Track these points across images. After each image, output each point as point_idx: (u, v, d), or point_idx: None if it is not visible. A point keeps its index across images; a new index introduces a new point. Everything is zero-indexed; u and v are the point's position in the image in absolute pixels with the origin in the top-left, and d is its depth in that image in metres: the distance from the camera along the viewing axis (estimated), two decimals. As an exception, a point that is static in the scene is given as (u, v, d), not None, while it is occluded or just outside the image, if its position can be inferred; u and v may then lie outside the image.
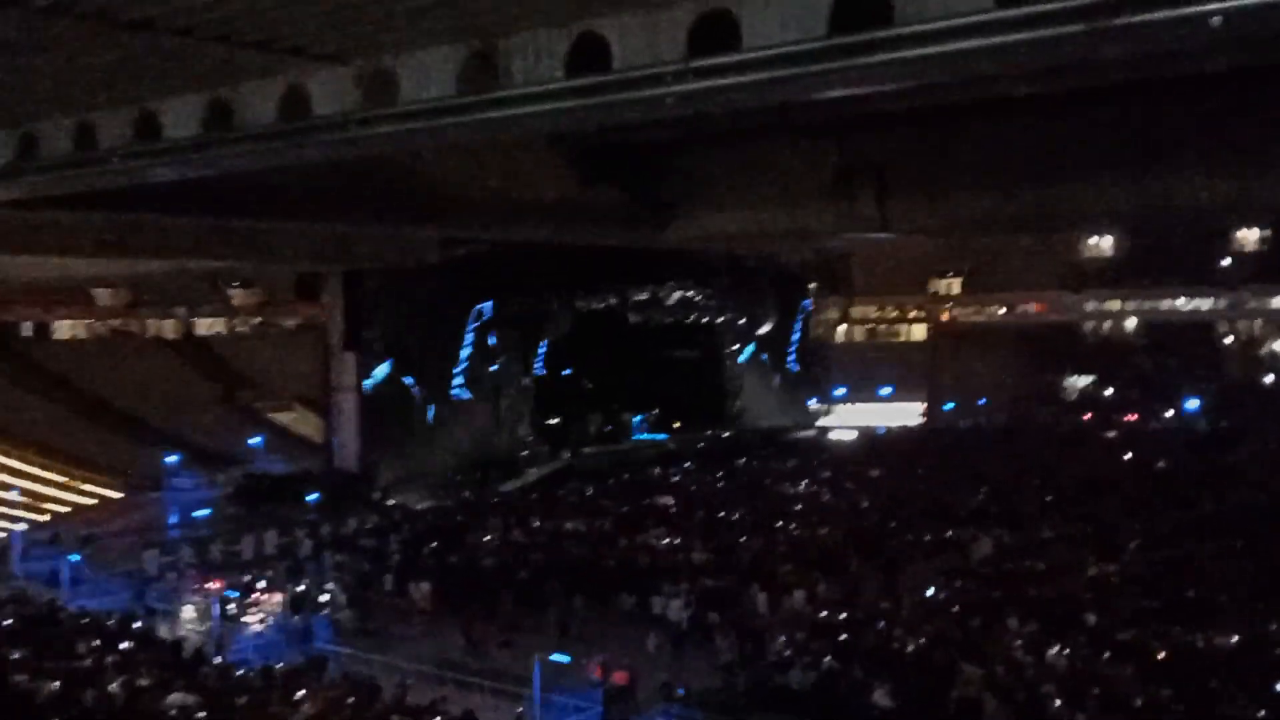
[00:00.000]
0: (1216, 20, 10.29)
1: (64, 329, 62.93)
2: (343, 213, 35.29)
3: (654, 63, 13.90)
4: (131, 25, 14.56)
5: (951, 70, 14.55)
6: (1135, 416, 67.04)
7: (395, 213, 36.11)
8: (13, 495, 43.30)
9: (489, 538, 37.75)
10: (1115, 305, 79.41)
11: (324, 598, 30.88)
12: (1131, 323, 79.97)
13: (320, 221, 37.09)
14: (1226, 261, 76.54)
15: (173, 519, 43.06)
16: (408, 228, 40.71)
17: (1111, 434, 61.19)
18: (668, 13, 13.66)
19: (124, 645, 24.78)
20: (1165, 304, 77.31)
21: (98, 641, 24.98)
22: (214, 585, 30.98)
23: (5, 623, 26.76)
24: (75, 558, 34.90)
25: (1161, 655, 23.75)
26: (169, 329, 65.22)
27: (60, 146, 21.20)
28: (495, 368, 53.28)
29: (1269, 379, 72.94)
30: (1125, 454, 53.71)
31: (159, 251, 38.54)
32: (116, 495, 47.52)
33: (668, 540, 36.64)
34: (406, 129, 17.01)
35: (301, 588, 31.43)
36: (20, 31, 14.99)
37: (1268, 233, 75.93)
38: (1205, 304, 76.64)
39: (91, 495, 47.26)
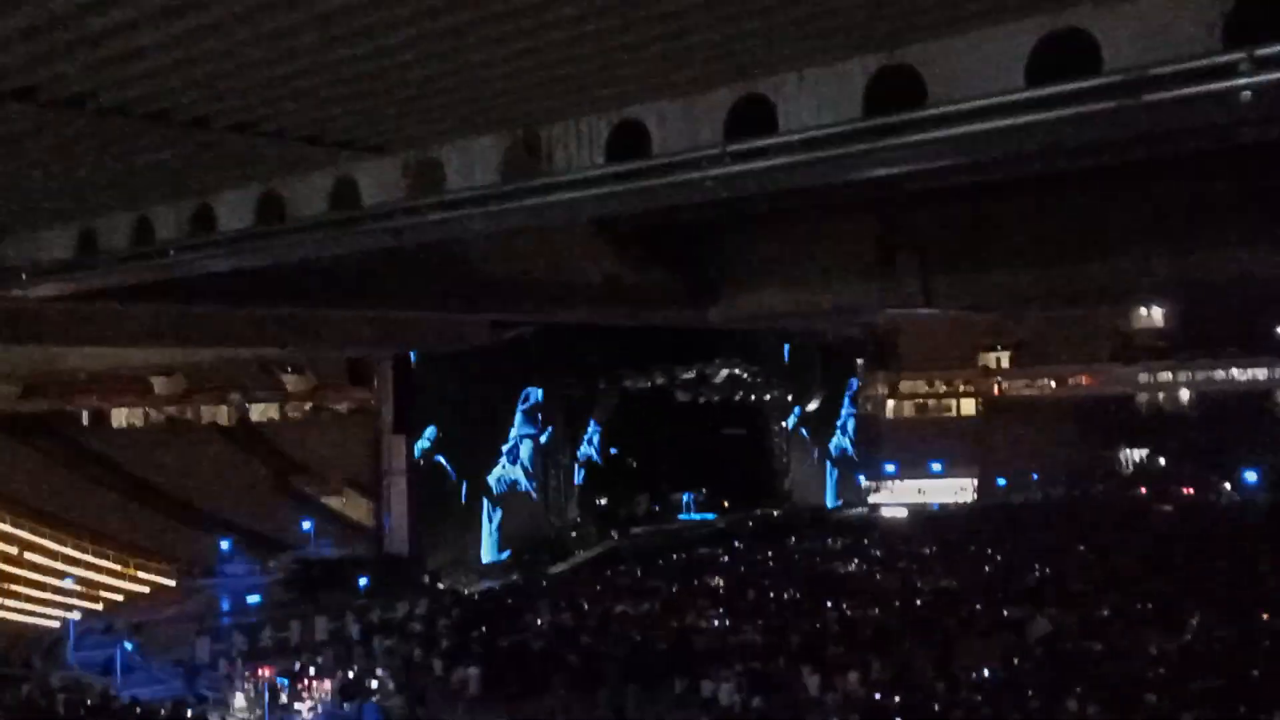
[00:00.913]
0: (1246, 95, 10.31)
1: (120, 416, 63.91)
2: (393, 299, 35.79)
3: (692, 147, 14.13)
4: (189, 123, 15.03)
5: (984, 149, 14.66)
6: (1191, 490, 65.90)
7: (444, 298, 36.57)
8: (67, 583, 43.73)
9: (539, 620, 37.60)
10: (1168, 376, 78.43)
11: (373, 684, 30.83)
12: (1185, 394, 78.93)
13: (371, 309, 37.62)
14: (1280, 330, 75.59)
15: (224, 605, 43.26)
16: (457, 312, 41.18)
17: (1168, 508, 60.12)
18: (705, 98, 13.93)
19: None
20: (1219, 374, 76.32)
21: (150, 730, 25.17)
22: (265, 672, 30.99)
23: (59, 712, 26.99)
24: (128, 646, 35.13)
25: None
26: (223, 415, 66.03)
27: (118, 241, 21.73)
28: (544, 448, 53.38)
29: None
30: (1183, 529, 52.70)
31: (212, 341, 39.14)
32: (170, 582, 47.86)
33: (718, 621, 36.33)
34: (452, 217, 17.25)
35: (351, 674, 31.41)
36: (83, 132, 15.51)
37: (1322, 300, 74.93)
38: (1260, 373, 75.56)
39: (145, 583, 47.63)
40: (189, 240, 20.48)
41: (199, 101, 14.36)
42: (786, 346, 66.84)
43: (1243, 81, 10.22)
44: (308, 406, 70.38)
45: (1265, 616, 34.21)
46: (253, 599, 42.54)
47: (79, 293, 27.14)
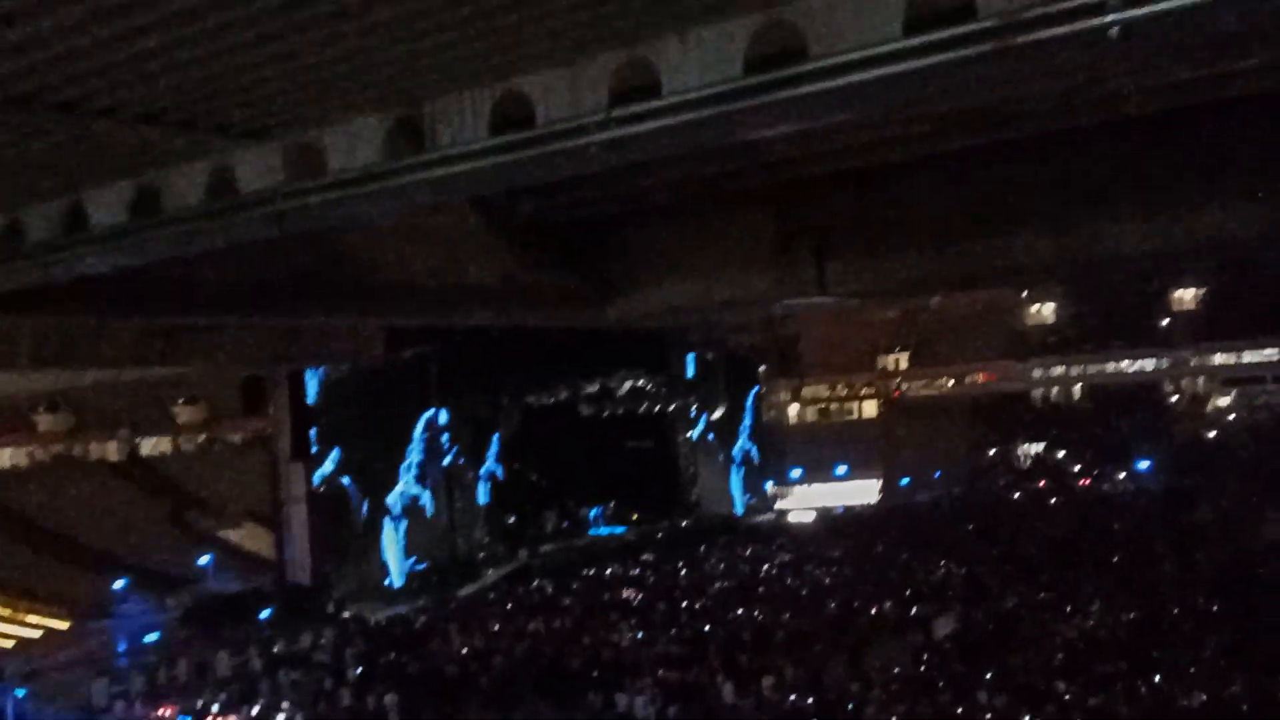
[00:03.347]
0: (1115, 32, 10.65)
1: (4, 457, 61.64)
2: (281, 306, 34.98)
3: (577, 114, 14.17)
4: (55, 107, 14.52)
5: (866, 100, 14.92)
6: (1088, 481, 67.49)
7: (334, 302, 35.85)
8: (-47, 632, 41.99)
9: (449, 645, 36.97)
10: (1060, 371, 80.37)
11: (280, 718, 29.97)
12: (1077, 387, 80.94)
13: (260, 314, 36.64)
14: (1166, 321, 77.95)
15: (121, 646, 41.79)
16: (349, 318, 40.46)
17: (1066, 499, 61.43)
18: (589, 65, 14.02)
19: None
20: (1110, 366, 78.44)
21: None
22: (166, 712, 30.01)
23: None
24: (19, 693, 33.70)
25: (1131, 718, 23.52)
26: (112, 451, 64.05)
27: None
28: (447, 469, 52.66)
29: (1215, 435, 73.82)
30: (1082, 519, 53.86)
31: (98, 360, 37.97)
32: (62, 625, 46.13)
33: (631, 635, 36.08)
34: (335, 197, 16.91)
35: (256, 710, 30.50)
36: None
37: (1204, 290, 77.56)
38: (1149, 364, 77.81)
39: (36, 626, 45.84)
40: (62, 239, 19.77)
41: (65, 84, 13.97)
42: (690, 356, 66.99)
43: (1110, 18, 10.60)
44: (201, 438, 68.70)
45: (1166, 599, 35.08)
46: (151, 638, 41.18)
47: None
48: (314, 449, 47.27)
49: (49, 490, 57.00)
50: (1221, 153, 28.87)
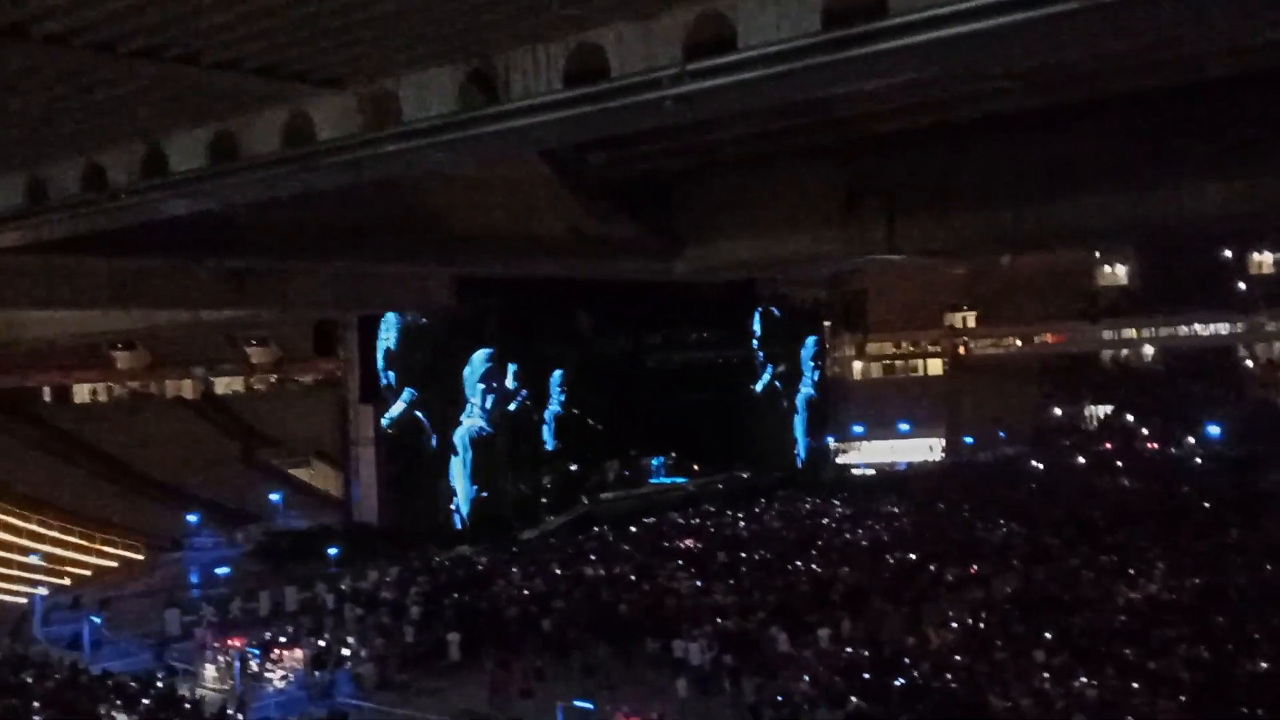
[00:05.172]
0: None
1: (84, 392, 63.27)
2: (356, 252, 35.42)
3: (651, 68, 14.00)
4: (136, 54, 14.70)
5: (949, 59, 14.56)
6: (1156, 445, 66.58)
7: (406, 251, 36.20)
8: (33, 560, 43.33)
9: (511, 586, 37.55)
10: (1132, 333, 79.07)
11: (345, 652, 30.74)
12: (1149, 350, 79.61)
13: (333, 260, 37.13)
14: (1242, 286, 76.28)
15: (193, 578, 42.98)
16: (420, 265, 40.78)
17: (1132, 462, 60.69)
18: (663, 19, 13.83)
19: (145, 705, 24.74)
20: (1182, 330, 76.97)
21: (120, 702, 24.96)
22: (235, 643, 30.83)
23: (29, 687, 26.75)
24: (96, 620, 34.85)
25: (1191, 683, 23.41)
26: (188, 389, 65.51)
27: (69, 186, 21.36)
28: (512, 416, 53.13)
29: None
30: (1149, 482, 53.26)
31: (173, 301, 38.60)
32: (137, 556, 47.52)
33: (689, 584, 36.40)
34: (409, 148, 17.07)
35: (323, 643, 31.29)
36: (27, 66, 15.10)
37: (1281, 255, 75.77)
38: (1222, 329, 76.26)
39: (112, 557, 47.27)
40: (141, 183, 20.08)
41: (146, 31, 14.12)
42: (756, 311, 66.88)
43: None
44: (273, 379, 69.97)
45: (1229, 565, 34.70)
46: (221, 571, 42.25)
47: (31, 244, 26.59)
48: (385, 391, 47.94)
49: (126, 426, 58.48)
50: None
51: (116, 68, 15.29)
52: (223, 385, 67.20)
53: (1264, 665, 24.55)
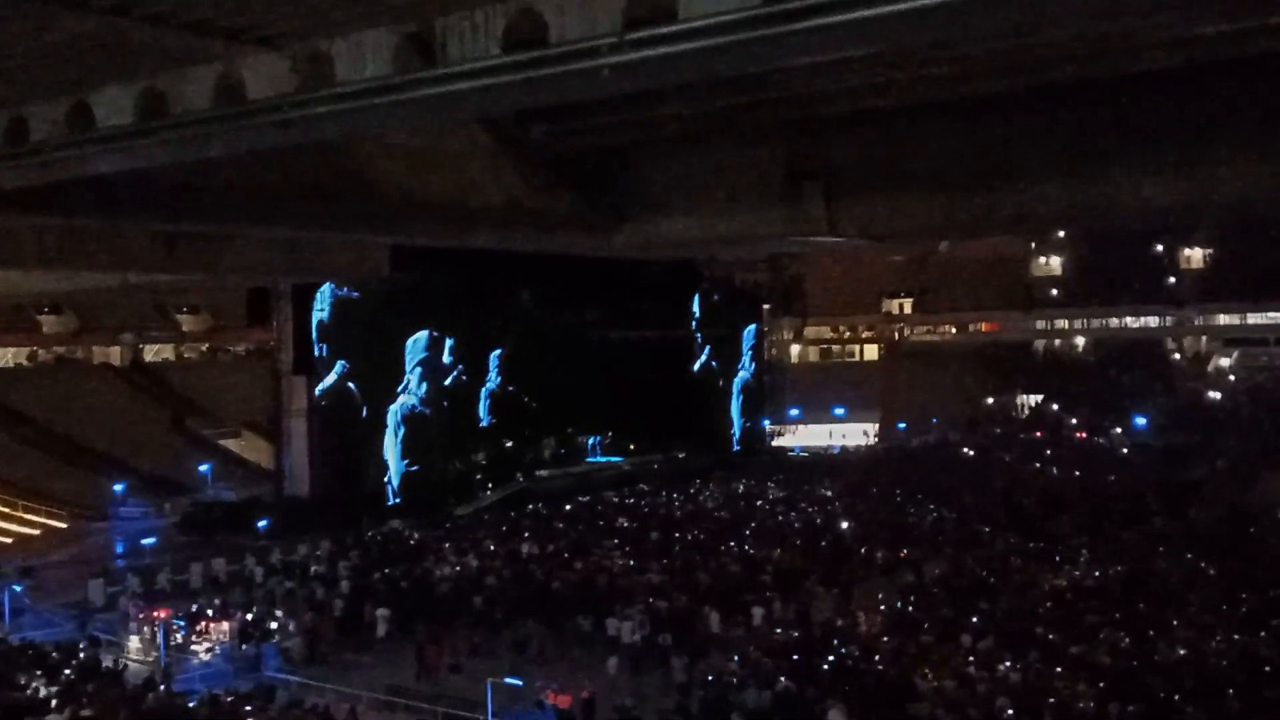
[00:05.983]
0: None
1: (7, 355, 61.92)
2: (291, 219, 34.82)
3: (590, 35, 13.78)
4: (64, 4, 14.35)
5: (892, 35, 14.50)
6: (1084, 434, 67.77)
7: (343, 218, 35.63)
8: (-47, 526, 42.46)
9: (444, 562, 37.33)
10: (1064, 324, 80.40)
11: (274, 625, 30.39)
12: (1080, 341, 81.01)
13: (268, 226, 36.48)
14: (1172, 280, 77.80)
15: (119, 548, 42.26)
16: (356, 234, 40.22)
17: (1061, 451, 61.71)
18: None
19: (67, 675, 24.29)
20: (1113, 322, 78.42)
21: (40, 673, 24.48)
22: (160, 614, 30.35)
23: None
24: (17, 588, 34.13)
25: (1112, 668, 23.86)
26: (116, 356, 64.31)
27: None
28: (448, 391, 52.84)
29: (1216, 395, 73.99)
30: (1077, 470, 54.18)
31: (103, 263, 37.62)
32: (61, 525, 46.64)
33: (623, 562, 36.44)
34: (343, 108, 16.70)
35: (250, 616, 30.90)
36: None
37: (1211, 251, 77.36)
38: (1152, 322, 77.78)
39: (35, 525, 46.36)
40: (66, 138, 19.55)
41: None
42: (696, 292, 67.03)
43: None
44: (205, 348, 68.99)
45: (1154, 554, 35.43)
46: (148, 541, 41.56)
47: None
48: (318, 362, 47.40)
49: (51, 391, 57.33)
50: (1242, 111, 28.57)
51: (43, 13, 14.82)
52: (153, 353, 66.13)
53: (1182, 652, 25.09)
